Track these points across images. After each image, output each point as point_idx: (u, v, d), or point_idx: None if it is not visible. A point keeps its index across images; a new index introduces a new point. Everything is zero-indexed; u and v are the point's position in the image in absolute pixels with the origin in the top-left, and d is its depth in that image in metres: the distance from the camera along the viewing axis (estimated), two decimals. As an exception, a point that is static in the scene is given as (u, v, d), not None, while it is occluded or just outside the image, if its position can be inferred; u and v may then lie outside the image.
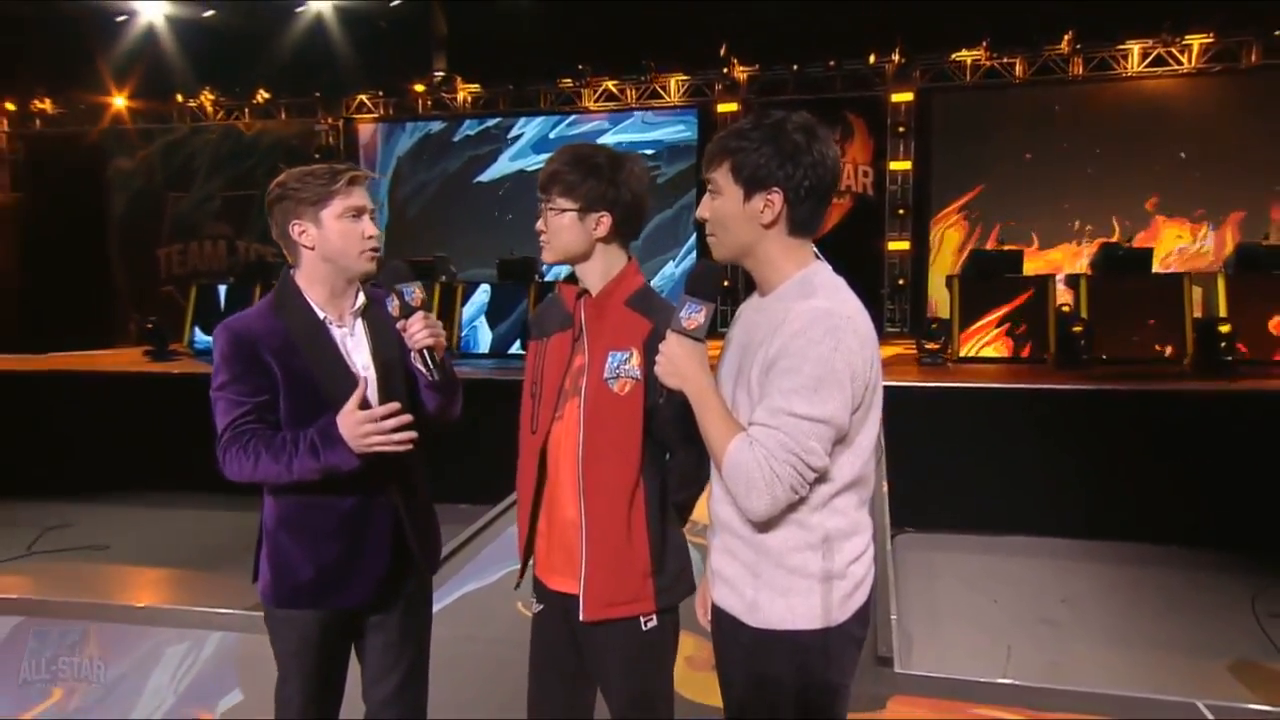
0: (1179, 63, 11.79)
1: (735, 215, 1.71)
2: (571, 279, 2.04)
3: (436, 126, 14.38)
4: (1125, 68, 12.05)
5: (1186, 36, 11.59)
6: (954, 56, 12.51)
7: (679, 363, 1.69)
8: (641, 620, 1.94)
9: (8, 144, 15.18)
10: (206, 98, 14.30)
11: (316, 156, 14.25)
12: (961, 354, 9.43)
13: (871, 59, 12.65)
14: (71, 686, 3.42)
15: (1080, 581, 6.67)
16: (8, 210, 15.17)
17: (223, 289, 11.49)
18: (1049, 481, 7.40)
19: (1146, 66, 11.92)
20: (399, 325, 2.02)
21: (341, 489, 2.01)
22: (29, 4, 11.36)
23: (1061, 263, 12.02)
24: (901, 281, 13.03)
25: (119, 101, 14.47)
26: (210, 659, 3.59)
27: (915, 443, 7.23)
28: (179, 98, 14.32)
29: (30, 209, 15.18)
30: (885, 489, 5.60)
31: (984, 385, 8.08)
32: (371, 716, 2.17)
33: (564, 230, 1.94)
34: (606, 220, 1.94)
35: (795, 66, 13.00)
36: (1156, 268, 10.30)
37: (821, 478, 1.64)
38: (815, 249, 1.78)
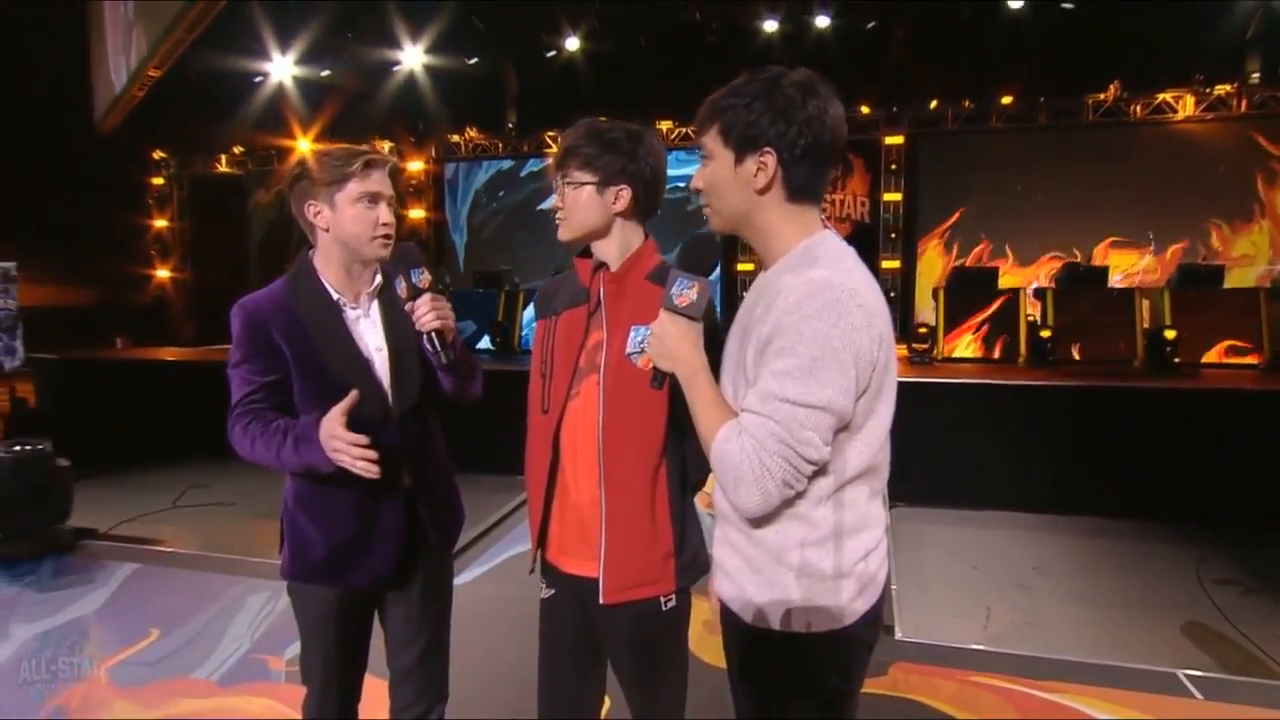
0: (1126, 115, 11.29)
1: (727, 180, 1.28)
2: (584, 255, 1.62)
3: (506, 164, 14.05)
4: (1082, 119, 11.58)
5: (1131, 93, 11.15)
6: (936, 107, 12.07)
7: (670, 342, 1.26)
8: (661, 601, 1.55)
9: (175, 183, 15.28)
10: (325, 141, 14.21)
11: (410, 191, 14.16)
12: (946, 354, 9.18)
13: (866, 109, 12.24)
14: (167, 628, 3.13)
15: (1049, 551, 6.31)
16: (175, 235, 15.31)
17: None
18: (1021, 463, 7.08)
19: (1099, 118, 11.41)
20: (407, 307, 1.64)
21: (353, 473, 1.64)
22: (190, 68, 11.36)
23: (1030, 278, 11.52)
24: (893, 294, 12.63)
25: (256, 144, 14.56)
26: (285, 608, 3.27)
27: (906, 429, 6.78)
28: (303, 141, 14.28)
29: (191, 234, 15.25)
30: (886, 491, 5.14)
31: (964, 380, 7.76)
32: (394, 685, 1.81)
33: (582, 205, 1.54)
34: (626, 194, 1.54)
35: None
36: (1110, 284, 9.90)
37: (826, 469, 1.20)
38: (823, 217, 1.33)
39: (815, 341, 1.15)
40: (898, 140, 12.42)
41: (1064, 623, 4.58)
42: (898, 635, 3.10)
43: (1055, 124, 11.78)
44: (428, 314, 1.61)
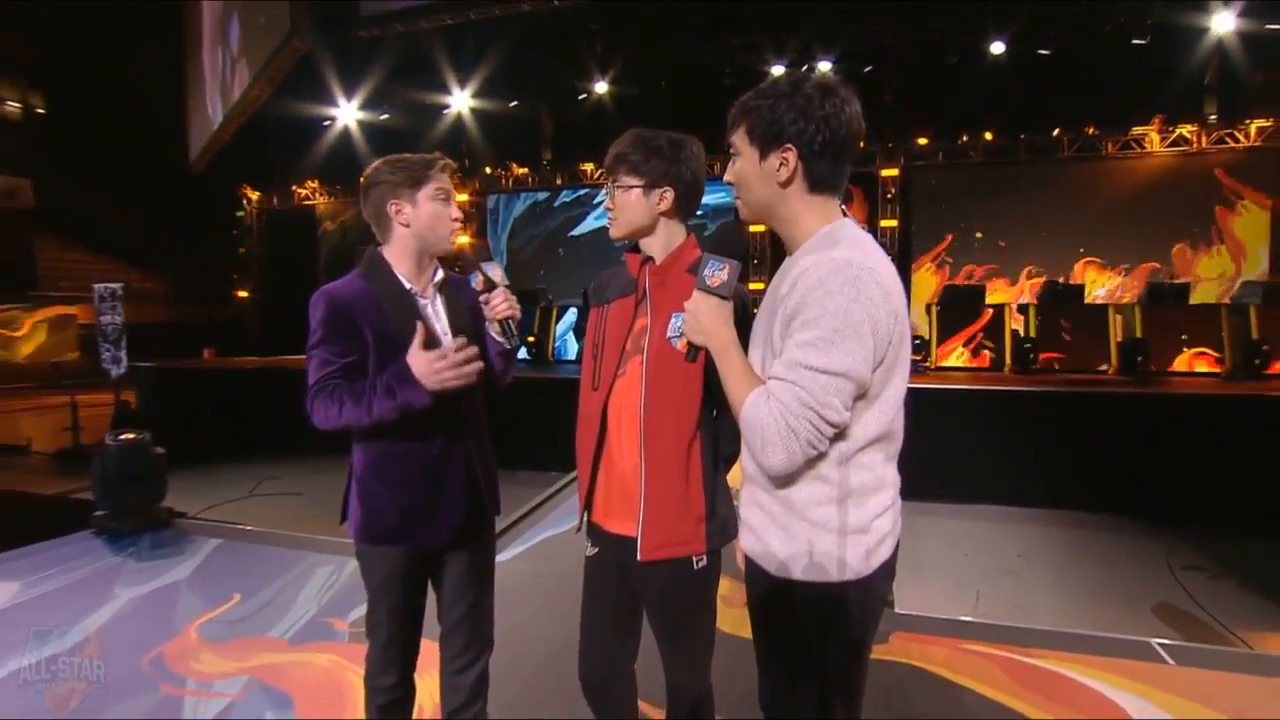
0: (1099, 150, 11.20)
1: (754, 174, 1.27)
2: (632, 251, 1.64)
3: (542, 195, 14.11)
4: (1058, 153, 11.50)
5: (1103, 130, 11.08)
6: (927, 144, 12.03)
7: (702, 319, 1.26)
8: (694, 560, 1.54)
9: (255, 216, 15.60)
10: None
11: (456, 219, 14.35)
12: (939, 364, 9.06)
13: (863, 145, 12.26)
14: (246, 594, 3.17)
15: (1033, 540, 6.17)
16: (253, 260, 15.59)
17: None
18: (1008, 462, 6.96)
19: (1074, 153, 11.32)
20: (482, 298, 1.66)
21: (422, 441, 1.65)
22: (269, 115, 11.61)
23: (1016, 295, 11.40)
24: (889, 311, 12.53)
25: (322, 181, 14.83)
26: (347, 579, 3.31)
27: (905, 431, 6.80)
28: (339, 179, 14.53)
29: (267, 259, 15.53)
30: None
31: (956, 387, 7.65)
32: (445, 636, 1.81)
33: (630, 206, 1.56)
34: (669, 195, 1.56)
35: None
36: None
37: (844, 433, 1.19)
38: (843, 207, 1.31)
39: (837, 315, 1.14)
40: (893, 172, 12.34)
41: (1046, 604, 4.51)
42: (897, 609, 3.04)
43: (1034, 158, 11.70)
44: (502, 304, 1.65)
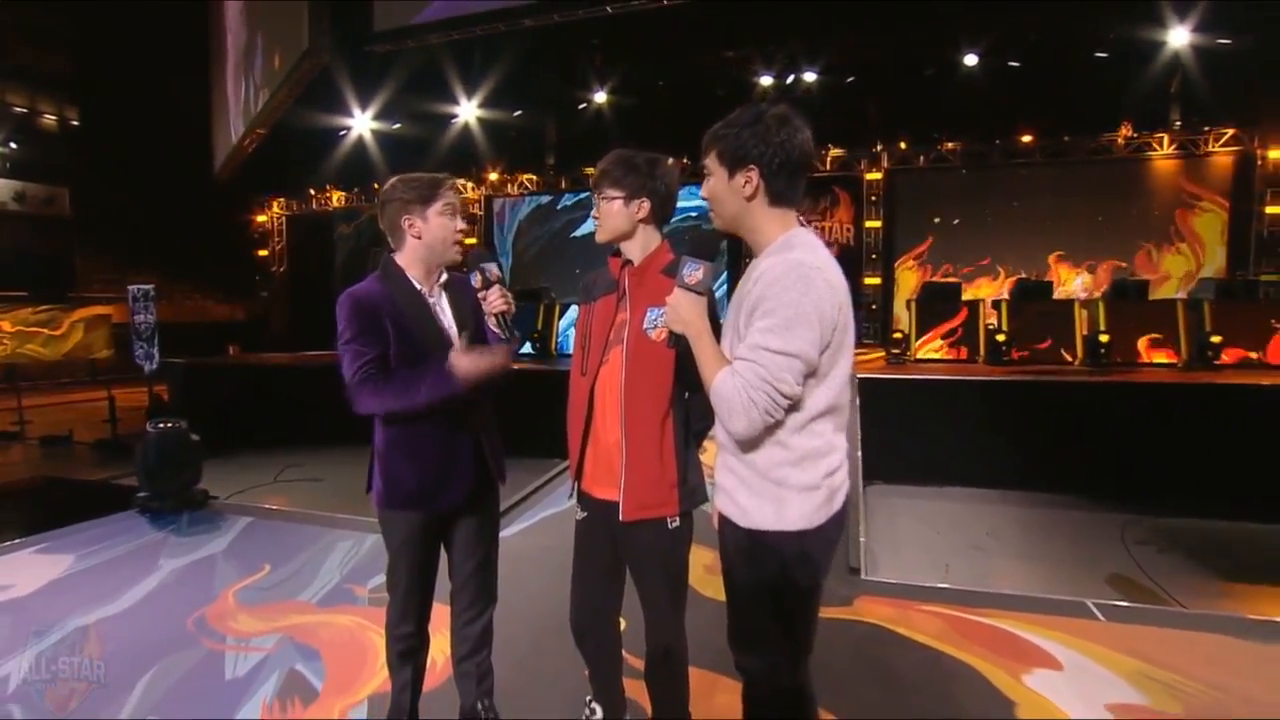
0: (1068, 155, 11.36)
1: (724, 191, 1.44)
2: (615, 254, 1.80)
3: (545, 199, 14.28)
4: (1033, 159, 11.65)
5: (1074, 136, 11.22)
6: (908, 149, 12.15)
7: (681, 311, 1.44)
8: (668, 521, 1.71)
9: (276, 221, 15.72)
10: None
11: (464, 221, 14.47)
12: (917, 356, 9.18)
13: (847, 150, 12.36)
14: (276, 564, 3.34)
15: (1000, 519, 6.33)
16: (275, 262, 15.72)
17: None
18: (980, 446, 7.10)
19: (1046, 158, 11.49)
20: (480, 295, 1.82)
21: (436, 420, 1.81)
22: (289, 125, 11.71)
23: (994, 291, 11.56)
24: (874, 307, 12.65)
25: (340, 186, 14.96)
26: (366, 552, 3.49)
27: (884, 418, 6.96)
28: (376, 185, 14.62)
29: (290, 260, 15.69)
30: (860, 453, 5.23)
31: (933, 377, 7.77)
32: (455, 592, 1.98)
33: (613, 215, 1.72)
34: (646, 205, 1.72)
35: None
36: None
37: (798, 405, 1.35)
38: (800, 218, 1.47)
39: (790, 306, 1.30)
40: (877, 176, 12.44)
41: (1010, 576, 4.65)
42: (862, 575, 3.20)
43: (1008, 163, 11.77)
44: (498, 300, 1.81)
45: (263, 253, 15.61)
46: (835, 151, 12.38)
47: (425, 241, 1.84)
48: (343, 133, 12.60)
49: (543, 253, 14.30)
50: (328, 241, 15.76)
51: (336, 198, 15.18)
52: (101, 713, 2.17)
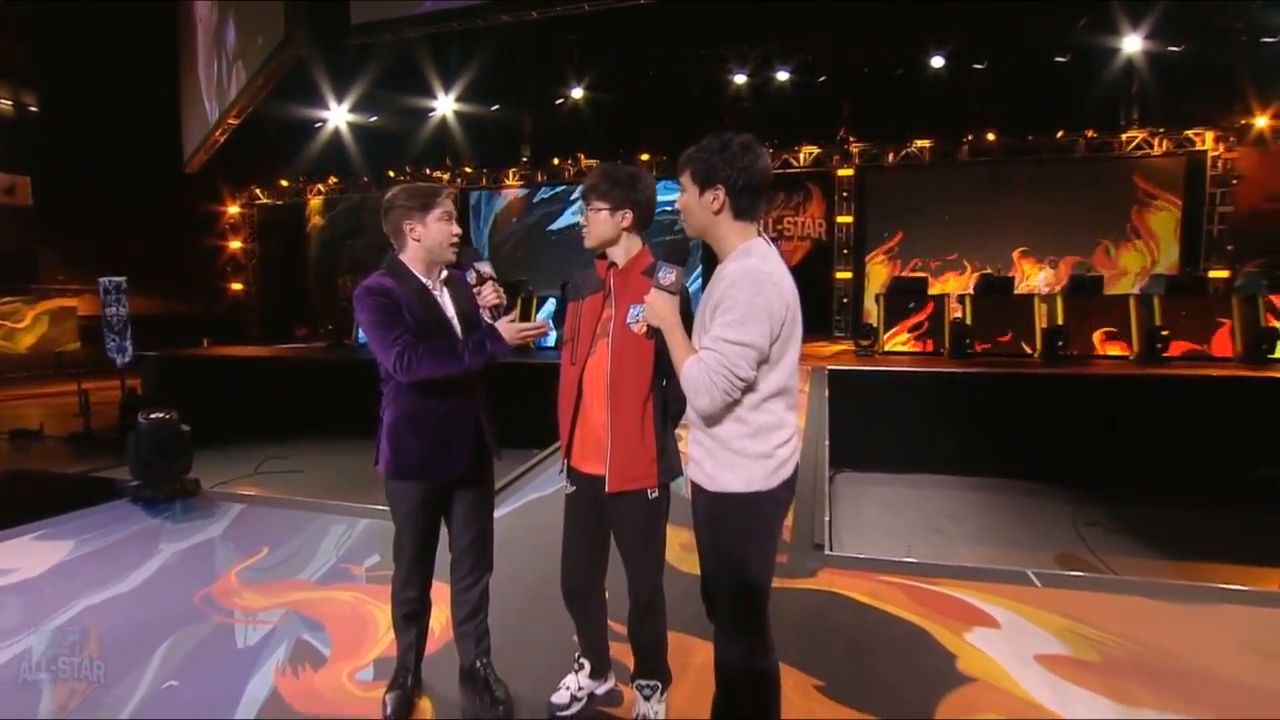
0: (1034, 154, 11.82)
1: (695, 205, 1.69)
2: (601, 258, 2.04)
3: (521, 192, 14.39)
4: (998, 157, 12.07)
5: (1036, 136, 11.67)
6: (878, 147, 12.52)
7: (657, 308, 1.70)
8: (648, 492, 1.95)
9: (246, 212, 15.60)
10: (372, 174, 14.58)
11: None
12: (885, 348, 9.50)
13: (819, 148, 12.67)
14: (273, 547, 3.51)
15: (960, 504, 6.72)
16: (248, 254, 15.60)
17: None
18: (943, 435, 7.47)
19: (1010, 156, 11.95)
20: (474, 290, 2.06)
21: (439, 400, 2.03)
22: (263, 116, 11.68)
23: (961, 286, 11.98)
24: (845, 300, 13.00)
25: (316, 178, 14.87)
26: (359, 534, 3.68)
27: (852, 408, 7.28)
28: (330, 177, 14.61)
29: (261, 253, 15.61)
30: (827, 442, 5.51)
31: (899, 369, 8.14)
32: (454, 561, 2.19)
33: (600, 223, 1.95)
34: (629, 215, 1.95)
35: (769, 148, 12.93)
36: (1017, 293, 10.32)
37: (754, 386, 1.61)
38: (760, 230, 1.72)
39: (745, 305, 1.56)
40: (848, 173, 12.75)
41: (968, 556, 4.99)
42: (826, 550, 3.48)
43: (975, 161, 12.20)
44: (491, 295, 2.05)
45: (234, 244, 15.47)
46: (808, 148, 12.69)
47: (425, 244, 2.06)
48: (318, 125, 12.56)
49: (520, 245, 14.39)
50: (299, 234, 15.68)
51: (311, 190, 15.12)
52: (125, 678, 2.36)
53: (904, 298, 9.83)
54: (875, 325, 9.60)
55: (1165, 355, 8.34)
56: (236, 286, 15.34)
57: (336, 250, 15.60)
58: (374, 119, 12.61)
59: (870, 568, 3.30)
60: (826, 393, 6.87)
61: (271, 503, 4.35)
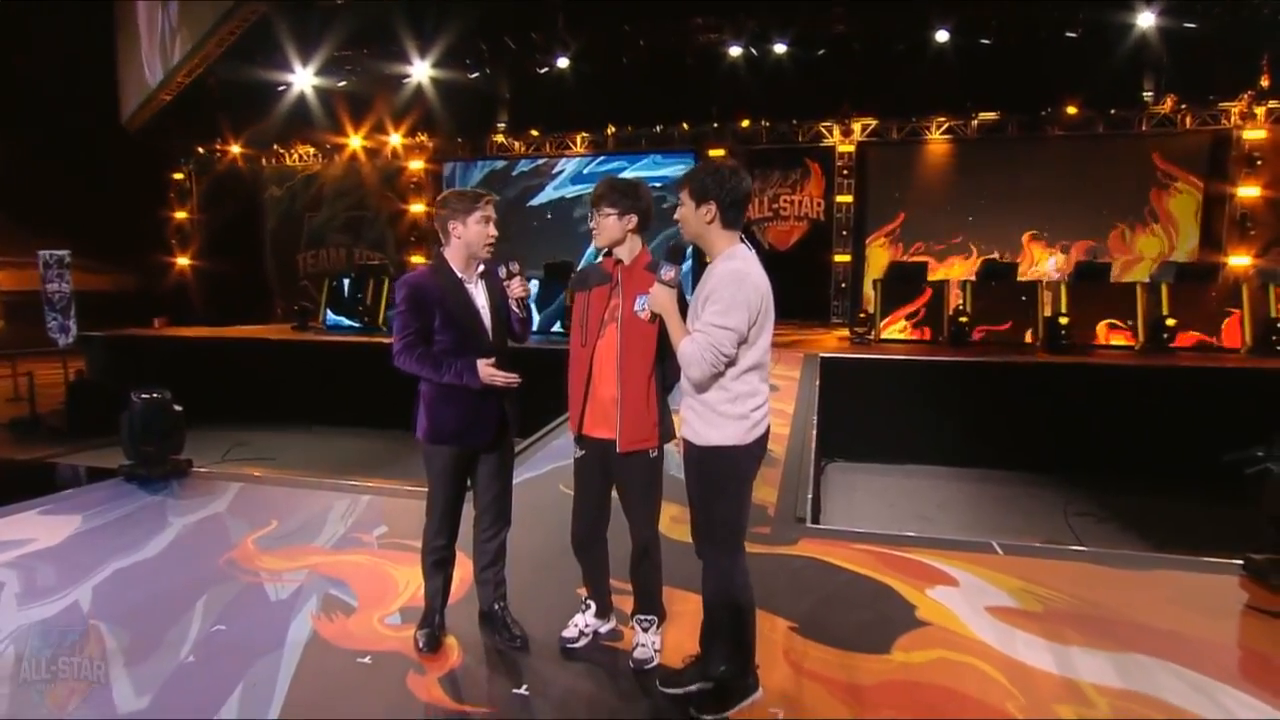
0: (1046, 130, 12.42)
1: (691, 217, 2.35)
2: (608, 255, 2.66)
3: (500, 164, 14.89)
4: (1006, 132, 12.68)
5: (1050, 111, 12.26)
6: (881, 122, 13.09)
7: (659, 298, 2.35)
8: (649, 451, 2.60)
9: (195, 179, 15.89)
10: (343, 139, 14.99)
11: (412, 186, 14.92)
12: (882, 336, 10.07)
13: (820, 122, 13.25)
14: (282, 519, 4.11)
15: (951, 494, 7.39)
16: (195, 225, 15.88)
17: (346, 282, 12.15)
18: (937, 426, 8.12)
19: (1024, 131, 12.57)
20: (505, 283, 2.68)
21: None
22: (218, 76, 12.00)
23: (967, 271, 12.60)
24: (843, 285, 13.61)
25: (275, 146, 15.22)
26: (363, 509, 4.30)
27: (846, 397, 7.93)
28: (293, 142, 14.92)
29: (210, 225, 15.86)
30: (815, 432, 6.11)
31: (894, 357, 8.73)
32: (478, 515, 2.83)
33: (609, 227, 2.58)
34: (633, 219, 2.58)
35: (767, 123, 13.60)
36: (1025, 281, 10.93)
37: (735, 361, 2.26)
38: (742, 236, 2.37)
39: (729, 298, 2.21)
40: (849, 148, 13.31)
41: (952, 540, 5.71)
42: (808, 523, 4.15)
43: (983, 138, 12.81)
44: (518, 287, 2.71)
45: (180, 214, 15.75)
46: (807, 123, 13.27)
47: (464, 241, 2.68)
48: (281, 87, 12.92)
49: (499, 223, 14.90)
50: (255, 204, 16.00)
51: (268, 156, 15.45)
52: (176, 624, 2.96)
53: (902, 283, 10.44)
54: (872, 312, 10.23)
55: (1172, 346, 9.02)
56: (184, 261, 15.62)
57: (296, 225, 15.98)
58: (343, 84, 13.01)
59: (846, 538, 3.99)
60: (818, 382, 7.50)
61: (269, 481, 4.95)
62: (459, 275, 2.70)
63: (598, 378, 2.61)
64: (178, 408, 4.95)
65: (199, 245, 15.62)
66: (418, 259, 14.83)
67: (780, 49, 11.78)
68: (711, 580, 2.40)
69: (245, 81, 12.42)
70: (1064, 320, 9.09)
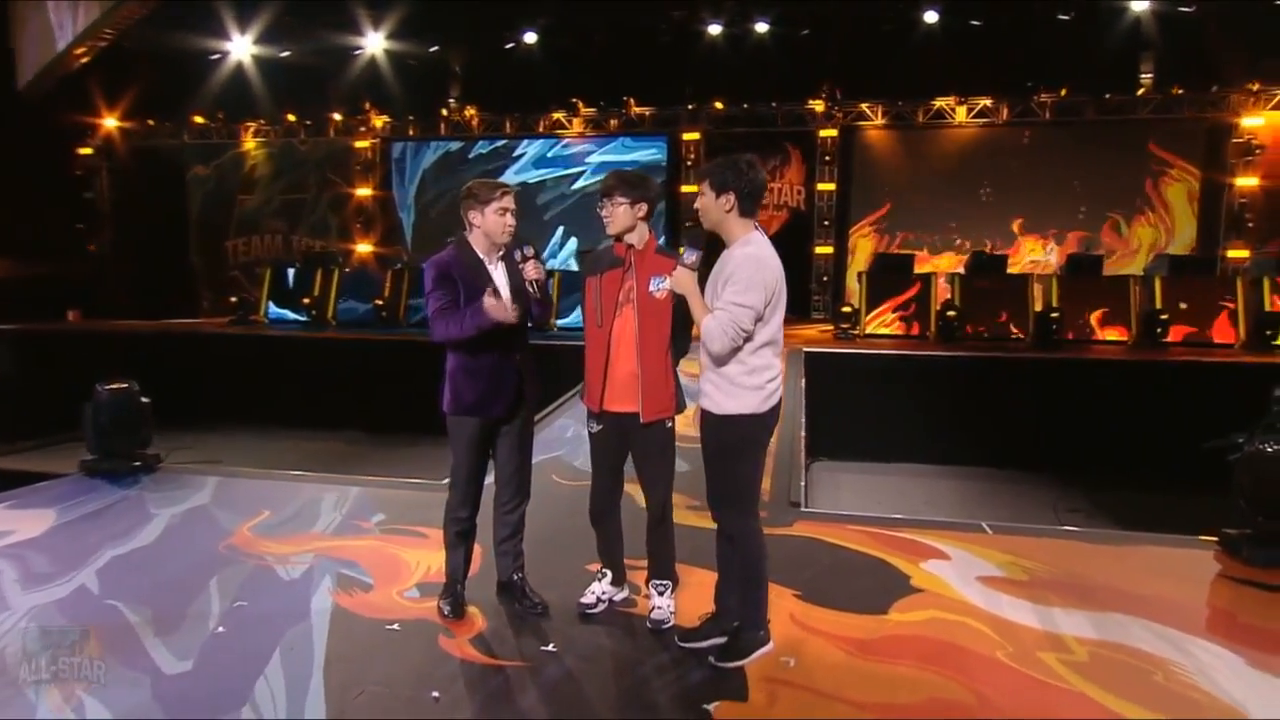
0: (1037, 115, 13.17)
1: (711, 206, 2.86)
2: (619, 241, 3.16)
3: (455, 146, 15.16)
4: (997, 117, 13.39)
5: (1043, 95, 12.99)
6: (866, 106, 13.70)
7: (682, 280, 2.85)
8: (666, 421, 3.13)
9: (108, 157, 15.73)
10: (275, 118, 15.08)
11: (358, 168, 15.14)
12: (867, 331, 10.69)
13: (803, 104, 13.80)
14: (274, 509, 4.51)
15: (938, 492, 8.05)
16: (108, 210, 15.68)
17: (291, 272, 12.36)
18: (925, 423, 8.73)
19: (1016, 116, 13.30)
20: (521, 266, 3.18)
21: (489, 354, 3.14)
22: (142, 42, 12.05)
23: (954, 263, 13.30)
24: (825, 278, 14.21)
25: (198, 119, 15.18)
26: (354, 500, 4.73)
27: (830, 395, 8.47)
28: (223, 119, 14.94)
29: (125, 209, 15.67)
30: (804, 432, 6.66)
31: (879, 353, 9.35)
32: (499, 487, 3.31)
33: (621, 215, 3.08)
34: (644, 207, 3.10)
35: (745, 105, 14.07)
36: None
37: (751, 337, 2.79)
38: (756, 223, 2.91)
39: (748, 279, 2.74)
40: (832, 133, 13.87)
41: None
42: (801, 508, 4.72)
43: (971, 122, 13.49)
44: (532, 270, 3.19)
45: (88, 195, 15.56)
46: (786, 105, 13.84)
47: (483, 229, 3.18)
48: (216, 56, 13.03)
49: (452, 209, 14.95)
50: (177, 184, 15.98)
51: (189, 130, 15.42)
52: (194, 601, 3.37)
53: (889, 276, 11.07)
54: (857, 306, 10.85)
55: (1164, 340, 9.81)
56: (94, 248, 15.45)
57: (224, 208, 16.02)
58: (286, 54, 13.18)
59: (840, 520, 4.56)
60: (803, 381, 8.01)
61: (250, 475, 5.33)
62: (480, 256, 3.20)
63: (615, 356, 3.12)
64: (145, 399, 5.29)
65: (113, 230, 15.48)
66: (365, 247, 15.08)
67: (761, 28, 12.35)
68: (730, 541, 2.94)
69: (175, 48, 12.50)
70: (1055, 315, 9.78)
